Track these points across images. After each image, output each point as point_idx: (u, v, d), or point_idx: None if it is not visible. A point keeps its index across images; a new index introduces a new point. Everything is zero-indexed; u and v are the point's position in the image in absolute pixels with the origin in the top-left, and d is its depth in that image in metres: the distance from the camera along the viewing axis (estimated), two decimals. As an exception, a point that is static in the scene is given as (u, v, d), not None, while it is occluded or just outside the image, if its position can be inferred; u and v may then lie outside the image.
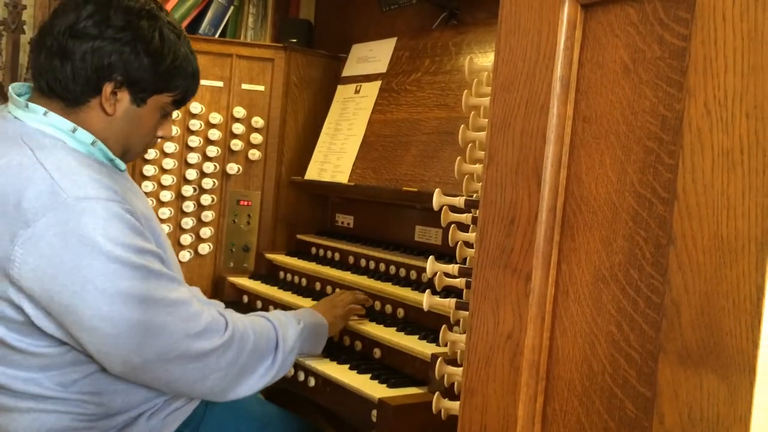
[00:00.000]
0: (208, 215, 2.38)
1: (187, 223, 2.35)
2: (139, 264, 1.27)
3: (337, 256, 2.26)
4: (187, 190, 2.35)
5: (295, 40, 2.56)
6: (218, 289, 2.37)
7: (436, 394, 1.16)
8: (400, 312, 1.87)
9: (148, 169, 2.29)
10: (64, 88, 1.36)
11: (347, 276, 2.05)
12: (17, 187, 1.24)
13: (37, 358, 1.30)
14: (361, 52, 2.43)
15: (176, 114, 2.32)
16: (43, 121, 1.34)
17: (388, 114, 2.19)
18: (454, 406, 1.11)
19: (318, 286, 2.16)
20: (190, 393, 1.42)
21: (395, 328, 1.78)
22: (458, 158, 1.16)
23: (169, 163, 2.32)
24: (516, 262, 0.73)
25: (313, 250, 2.37)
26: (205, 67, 2.36)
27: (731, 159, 0.55)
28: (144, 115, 1.45)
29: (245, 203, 2.43)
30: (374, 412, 1.51)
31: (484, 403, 0.76)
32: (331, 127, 2.38)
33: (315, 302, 1.98)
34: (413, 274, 1.97)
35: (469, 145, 1.17)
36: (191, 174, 2.34)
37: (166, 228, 2.28)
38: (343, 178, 2.22)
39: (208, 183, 2.37)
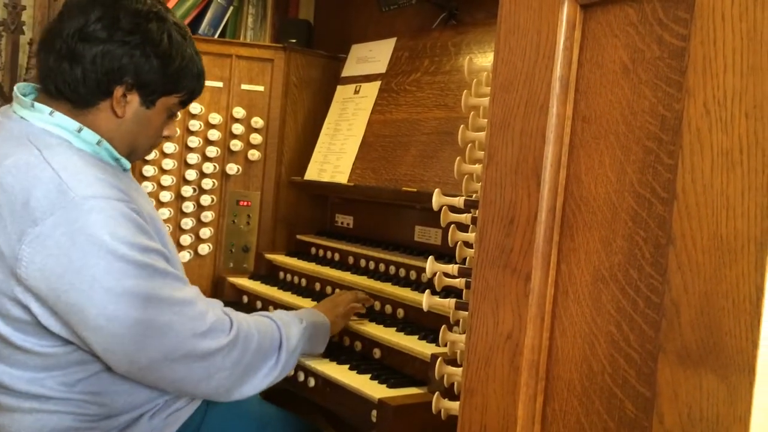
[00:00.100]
0: (207, 216, 2.38)
1: (187, 223, 2.35)
2: (145, 263, 1.28)
3: (336, 256, 2.26)
4: (187, 191, 2.35)
5: (294, 41, 2.56)
6: (218, 290, 2.37)
7: (436, 394, 1.16)
8: (400, 312, 1.87)
9: (148, 170, 2.29)
10: (73, 90, 1.37)
11: (347, 276, 2.05)
12: (25, 186, 1.24)
13: (41, 357, 1.31)
14: (360, 52, 2.43)
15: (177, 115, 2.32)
16: (49, 121, 1.35)
17: (388, 114, 2.19)
18: (454, 406, 1.11)
19: (318, 286, 2.16)
20: (195, 392, 1.42)
21: (395, 329, 1.78)
22: (458, 158, 1.16)
23: (168, 164, 2.32)
24: (515, 262, 0.74)
25: (313, 250, 2.37)
26: (204, 68, 2.37)
27: (731, 159, 0.55)
28: (152, 117, 1.47)
29: (245, 203, 2.43)
30: (374, 413, 1.51)
31: (484, 403, 0.76)
32: (331, 127, 2.38)
33: (315, 302, 1.98)
34: (413, 275, 1.97)
35: (469, 145, 1.17)
36: (191, 174, 2.34)
37: (166, 229, 2.28)
38: (342, 178, 2.22)
39: (207, 183, 2.37)
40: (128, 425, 1.42)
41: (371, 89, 2.30)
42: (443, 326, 1.16)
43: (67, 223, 1.22)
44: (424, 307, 1.22)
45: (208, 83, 2.36)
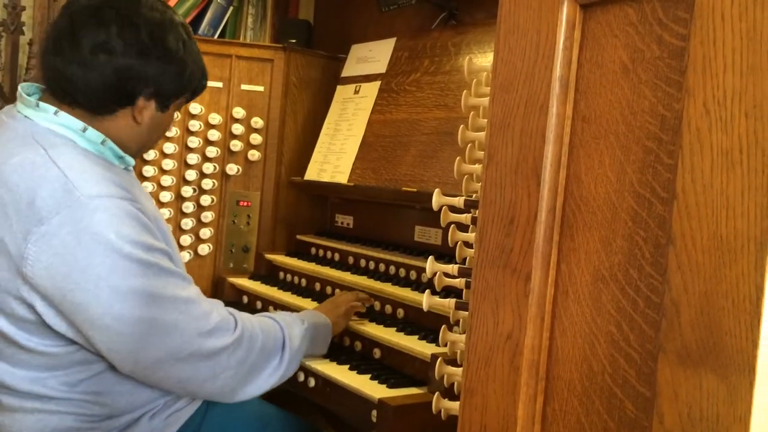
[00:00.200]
0: (207, 216, 2.38)
1: (187, 223, 2.35)
2: (150, 262, 1.28)
3: (336, 256, 2.26)
4: (187, 191, 2.35)
5: (294, 41, 2.56)
6: (218, 290, 2.37)
7: (436, 394, 1.16)
8: (400, 312, 1.87)
9: (148, 170, 2.29)
10: (89, 99, 1.38)
11: (347, 276, 2.05)
12: (30, 185, 1.25)
13: (45, 357, 1.31)
14: (360, 52, 2.43)
15: (176, 115, 2.32)
16: (54, 121, 1.35)
17: (388, 114, 2.19)
18: (454, 406, 1.11)
19: (318, 286, 2.16)
20: (201, 392, 1.42)
21: (395, 329, 1.78)
22: (457, 158, 1.15)
23: (168, 164, 2.32)
24: (515, 262, 0.74)
25: (313, 250, 2.37)
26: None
27: (730, 159, 0.55)
28: (165, 118, 1.52)
29: (245, 204, 2.43)
30: (374, 413, 1.51)
31: (484, 404, 0.76)
32: (331, 127, 2.38)
33: (315, 302, 1.99)
34: (413, 275, 1.97)
35: (468, 145, 1.17)
36: (191, 175, 2.34)
37: (165, 229, 2.28)
38: (342, 178, 2.22)
39: (207, 184, 2.37)
40: (129, 425, 1.42)
41: (371, 89, 2.30)
42: (443, 326, 1.16)
43: (72, 222, 1.23)
44: (424, 307, 1.22)
45: (208, 83, 2.37)
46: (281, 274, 2.34)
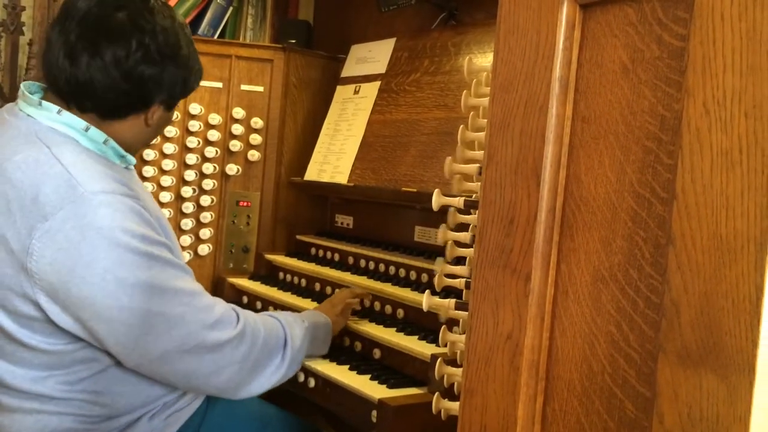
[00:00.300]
0: (207, 216, 2.38)
1: (187, 224, 2.35)
2: (155, 254, 1.29)
3: (336, 256, 2.26)
4: (187, 191, 2.35)
5: (294, 41, 2.56)
6: (218, 290, 2.37)
7: (436, 394, 1.16)
8: (400, 312, 1.87)
9: (148, 170, 2.29)
10: (105, 105, 1.39)
11: (347, 276, 2.05)
12: (34, 182, 1.25)
13: (46, 355, 1.31)
14: (360, 52, 2.43)
15: (176, 115, 2.32)
16: (57, 119, 1.36)
17: (388, 114, 2.19)
18: (454, 406, 1.11)
19: (318, 286, 2.16)
20: (206, 387, 1.42)
21: (395, 329, 1.78)
22: (448, 158, 1.15)
23: (168, 165, 2.32)
24: (515, 262, 0.74)
25: (313, 250, 2.37)
26: (204, 68, 2.34)
27: (730, 159, 0.55)
28: (169, 116, 1.55)
29: (245, 204, 2.43)
30: (374, 413, 1.51)
31: (484, 404, 0.76)
32: (331, 127, 2.38)
33: (315, 303, 1.99)
34: (413, 275, 1.97)
35: (459, 144, 1.17)
36: (190, 175, 2.34)
37: (165, 229, 2.28)
38: (342, 178, 2.22)
39: (207, 184, 2.37)
40: (128, 426, 1.42)
41: (371, 89, 2.30)
42: (443, 326, 1.16)
43: (76, 217, 1.24)
44: (424, 308, 1.22)
45: (207, 84, 2.38)
46: (281, 275, 2.34)
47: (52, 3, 2.54)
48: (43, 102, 1.36)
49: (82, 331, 1.29)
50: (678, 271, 0.58)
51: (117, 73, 1.36)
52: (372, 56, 2.37)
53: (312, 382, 1.71)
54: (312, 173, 2.36)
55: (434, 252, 1.97)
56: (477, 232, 0.79)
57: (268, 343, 1.48)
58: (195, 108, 2.34)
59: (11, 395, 1.33)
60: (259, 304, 2.21)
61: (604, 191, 0.68)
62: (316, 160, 2.37)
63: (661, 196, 0.62)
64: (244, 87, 2.41)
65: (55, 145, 1.31)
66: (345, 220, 2.45)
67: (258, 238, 2.44)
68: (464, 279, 1.16)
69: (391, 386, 1.57)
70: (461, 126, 1.17)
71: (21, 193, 1.25)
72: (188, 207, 2.35)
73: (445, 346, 1.17)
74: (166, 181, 2.31)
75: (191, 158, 2.34)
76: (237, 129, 2.39)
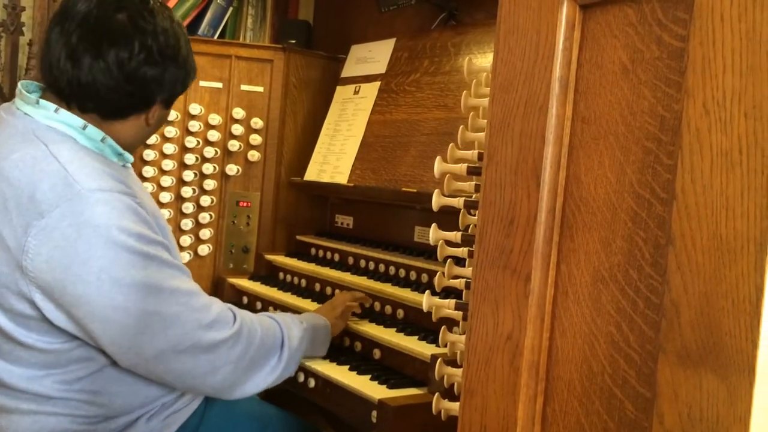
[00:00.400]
0: (207, 216, 2.38)
1: (187, 224, 2.35)
2: (151, 254, 1.29)
3: (336, 256, 2.26)
4: (187, 192, 2.35)
5: (294, 41, 2.56)
6: (218, 290, 2.37)
7: (436, 394, 1.16)
8: (400, 313, 1.87)
9: (148, 171, 2.29)
10: (107, 106, 1.40)
11: (347, 277, 2.05)
12: (31, 179, 1.25)
13: (43, 354, 1.31)
14: (360, 52, 2.43)
15: (176, 115, 2.33)
16: (54, 118, 1.36)
17: (387, 115, 2.19)
18: (454, 406, 1.11)
19: (318, 287, 2.16)
20: (202, 387, 1.42)
21: (395, 329, 1.78)
22: (437, 158, 1.15)
23: (168, 165, 2.32)
24: (515, 262, 0.74)
25: (313, 251, 2.37)
26: (204, 69, 2.37)
27: (730, 159, 0.55)
28: (167, 114, 1.56)
29: (245, 204, 2.43)
30: (374, 413, 1.51)
31: (484, 404, 0.76)
32: (330, 127, 2.38)
33: (315, 303, 1.99)
34: (413, 275, 1.97)
35: (450, 144, 1.17)
36: (190, 175, 2.34)
37: (165, 229, 2.28)
38: (342, 178, 2.22)
39: (207, 184, 2.37)
40: (126, 427, 1.42)
41: (371, 90, 2.30)
42: (443, 327, 1.16)
43: (73, 215, 1.24)
44: (424, 308, 1.22)
45: (207, 84, 2.38)
46: (281, 275, 2.34)
47: (52, 3, 2.55)
48: (41, 100, 1.37)
49: (77, 329, 1.28)
50: (678, 272, 0.58)
51: (120, 75, 1.37)
52: (372, 56, 2.37)
53: (312, 383, 1.71)
54: (312, 173, 2.36)
55: (434, 252, 1.96)
56: (477, 232, 0.79)
57: (264, 344, 1.48)
58: (195, 108, 2.34)
59: (8, 395, 1.33)
60: (259, 305, 2.21)
61: (604, 192, 0.68)
62: (316, 161, 2.37)
63: (661, 197, 0.62)
64: (244, 87, 2.42)
65: (53, 142, 1.32)
66: (345, 221, 2.45)
67: (258, 239, 2.44)
68: (464, 279, 1.16)
69: (391, 386, 1.57)
70: (461, 126, 1.17)
71: (18, 190, 1.25)
72: (188, 207, 2.35)
73: (445, 346, 1.17)
74: (166, 181, 2.31)
75: (191, 158, 2.34)
76: (237, 129, 2.39)
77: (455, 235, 1.16)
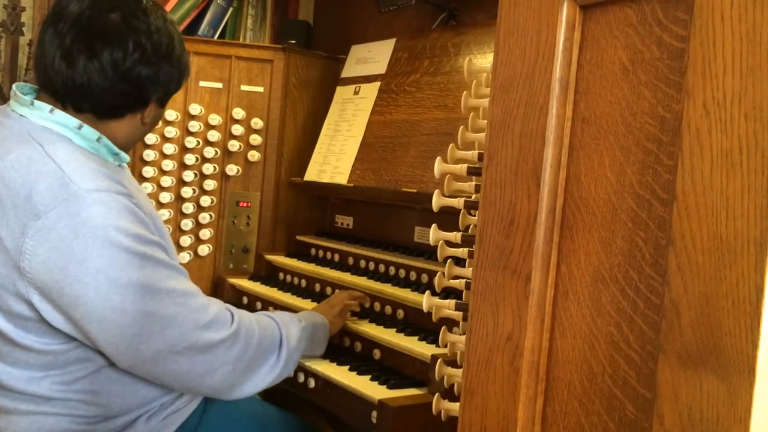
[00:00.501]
0: (207, 217, 2.38)
1: (187, 224, 2.35)
2: (148, 254, 1.29)
3: (336, 257, 2.26)
4: (187, 192, 2.35)
5: (294, 41, 2.56)
6: (218, 291, 2.37)
7: (436, 395, 1.16)
8: (400, 313, 1.87)
9: (148, 171, 2.29)
10: (102, 106, 1.40)
11: (347, 277, 2.05)
12: (27, 180, 1.25)
13: (41, 355, 1.31)
14: (360, 53, 2.43)
15: (176, 116, 2.33)
16: (49, 119, 1.36)
17: (388, 115, 2.19)
18: (454, 407, 1.11)
19: (318, 287, 2.16)
20: (200, 387, 1.42)
21: (395, 329, 1.78)
22: (438, 158, 1.15)
23: (168, 165, 2.32)
24: (515, 263, 0.74)
25: (313, 251, 2.37)
26: (204, 69, 2.38)
27: (730, 160, 0.55)
28: (162, 113, 1.56)
29: (245, 204, 2.43)
30: (374, 413, 1.51)
31: (484, 405, 0.76)
32: (331, 128, 2.38)
33: (315, 303, 1.99)
34: (413, 275, 1.97)
35: (450, 144, 1.17)
36: (190, 175, 2.34)
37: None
38: (342, 179, 2.22)
39: (207, 184, 2.37)
40: (125, 427, 1.42)
41: (371, 90, 2.30)
42: (443, 327, 1.16)
43: (69, 215, 1.23)
44: (425, 308, 1.22)
45: (207, 84, 2.38)
46: (281, 275, 2.34)
47: (51, 4, 2.55)
48: (36, 101, 1.37)
49: (74, 330, 1.28)
50: (678, 272, 0.58)
51: (115, 75, 1.37)
52: (372, 57, 2.37)
53: (312, 383, 1.71)
54: (312, 174, 2.36)
55: (434, 252, 1.96)
56: (477, 233, 0.79)
57: (263, 343, 1.47)
58: (195, 108, 2.34)
59: (7, 396, 1.33)
60: (259, 305, 2.21)
61: (604, 192, 0.68)
62: (316, 161, 2.37)
63: (662, 197, 0.62)
64: (244, 87, 2.42)
65: (49, 143, 1.32)
66: (345, 221, 2.45)
67: (258, 239, 2.44)
68: (465, 280, 1.16)
69: (391, 387, 1.57)
70: (461, 127, 1.17)
71: (14, 191, 1.25)
72: (188, 208, 2.35)
73: (446, 346, 1.17)
74: (166, 181, 2.31)
75: (191, 159, 2.34)
76: (237, 129, 2.39)
77: (455, 236, 1.16)
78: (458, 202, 1.17)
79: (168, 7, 2.37)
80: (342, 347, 1.86)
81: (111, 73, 1.37)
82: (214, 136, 2.36)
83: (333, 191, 2.33)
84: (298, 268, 2.26)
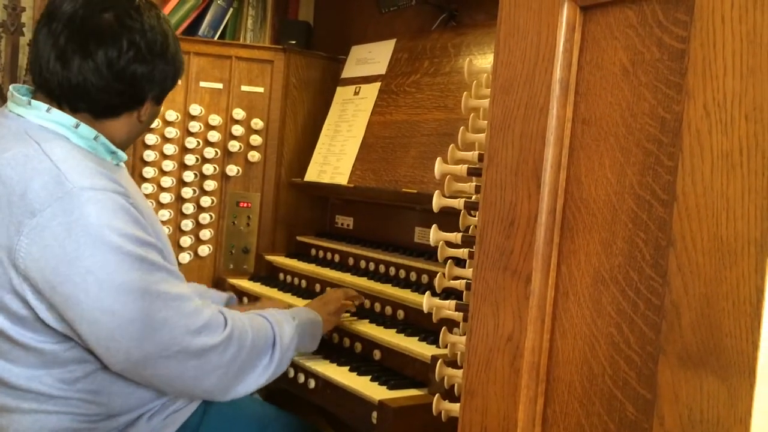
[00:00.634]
0: (207, 217, 2.38)
1: (187, 225, 2.35)
2: (142, 256, 1.28)
3: (336, 257, 2.26)
4: (187, 192, 2.35)
5: (294, 42, 2.56)
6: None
7: (437, 395, 1.16)
8: (400, 313, 1.87)
9: (148, 171, 2.29)
10: (98, 105, 1.40)
11: (347, 277, 2.05)
12: (23, 178, 1.25)
13: (39, 354, 1.31)
14: (360, 53, 2.43)
15: (176, 116, 2.33)
16: (46, 117, 1.36)
17: (388, 115, 2.19)
18: (455, 407, 1.11)
19: (318, 287, 2.16)
20: (192, 391, 1.42)
21: (395, 330, 1.78)
22: (438, 159, 1.15)
23: (168, 165, 2.32)
24: (516, 264, 0.74)
25: (313, 251, 2.37)
26: (204, 69, 2.38)
27: (731, 161, 0.55)
28: (158, 110, 1.57)
29: (245, 205, 2.43)
30: (374, 414, 1.51)
31: (484, 405, 0.76)
32: (331, 128, 2.38)
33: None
34: (413, 276, 1.97)
35: (451, 145, 1.17)
36: (190, 176, 2.34)
37: (165, 230, 2.28)
38: (342, 179, 2.23)
39: (207, 185, 2.37)
40: (127, 426, 1.42)
41: (371, 90, 2.30)
42: (444, 328, 1.16)
43: (64, 213, 1.23)
44: (425, 309, 1.22)
45: (208, 85, 2.38)
46: (281, 276, 2.34)
47: (52, 4, 2.54)
48: (33, 101, 1.37)
49: (68, 330, 1.28)
50: (678, 273, 0.58)
51: (109, 74, 1.37)
52: (372, 57, 2.37)
53: (312, 383, 1.71)
54: (312, 174, 2.36)
55: (434, 253, 1.97)
56: (477, 233, 0.79)
57: (256, 345, 1.47)
58: (195, 109, 2.34)
59: (9, 394, 1.33)
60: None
61: (604, 193, 0.68)
62: (316, 161, 2.37)
63: (662, 198, 0.62)
64: (244, 88, 2.42)
65: (45, 141, 1.32)
66: (345, 221, 2.45)
67: (258, 239, 2.45)
68: (465, 280, 1.16)
69: (391, 387, 1.57)
70: (462, 127, 1.17)
71: (10, 189, 1.25)
72: (188, 208, 2.35)
73: (446, 347, 1.17)
74: (166, 182, 2.31)
75: (191, 159, 2.34)
76: (237, 130, 2.39)
77: (455, 236, 1.16)
78: (458, 203, 1.17)
79: (168, 8, 2.37)
80: (342, 348, 1.86)
81: (106, 73, 1.37)
82: (214, 136, 2.36)
83: (333, 192, 2.33)
84: (298, 268, 2.26)
